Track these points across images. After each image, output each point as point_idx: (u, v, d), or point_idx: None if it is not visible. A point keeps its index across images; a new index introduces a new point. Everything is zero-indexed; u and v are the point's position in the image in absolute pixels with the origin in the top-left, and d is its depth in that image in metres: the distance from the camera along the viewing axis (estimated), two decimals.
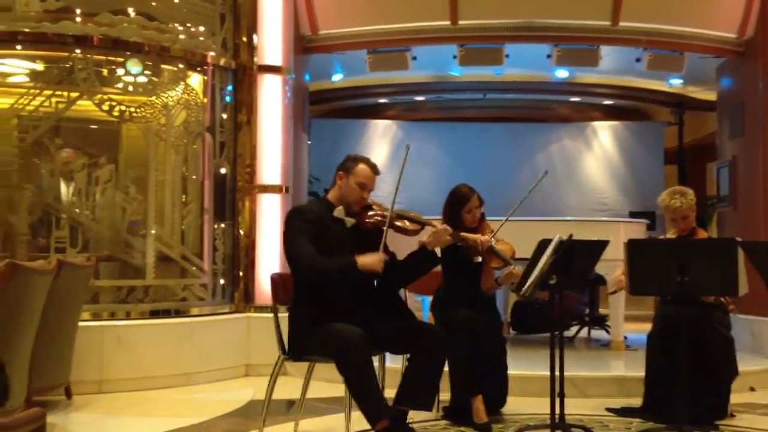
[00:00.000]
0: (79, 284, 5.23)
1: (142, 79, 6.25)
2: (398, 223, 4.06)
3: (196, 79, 6.61)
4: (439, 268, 4.86)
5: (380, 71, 8.25)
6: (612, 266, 6.26)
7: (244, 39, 6.81)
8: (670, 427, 4.45)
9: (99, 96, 6.07)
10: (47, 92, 5.92)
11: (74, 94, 5.99)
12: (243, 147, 6.78)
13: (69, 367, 5.22)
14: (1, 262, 3.93)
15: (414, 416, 4.22)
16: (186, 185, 6.47)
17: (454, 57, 7.92)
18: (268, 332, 5.19)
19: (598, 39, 7.45)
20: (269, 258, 6.69)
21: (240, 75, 6.81)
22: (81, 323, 5.37)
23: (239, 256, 6.73)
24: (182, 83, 6.43)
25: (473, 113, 11.93)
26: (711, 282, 4.16)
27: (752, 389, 5.82)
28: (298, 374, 5.32)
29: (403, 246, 4.16)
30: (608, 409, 5.14)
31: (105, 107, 6.08)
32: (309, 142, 8.62)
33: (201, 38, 6.58)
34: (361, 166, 4.06)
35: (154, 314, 6.13)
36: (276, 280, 4.41)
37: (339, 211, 4.05)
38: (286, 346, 4.08)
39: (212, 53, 6.60)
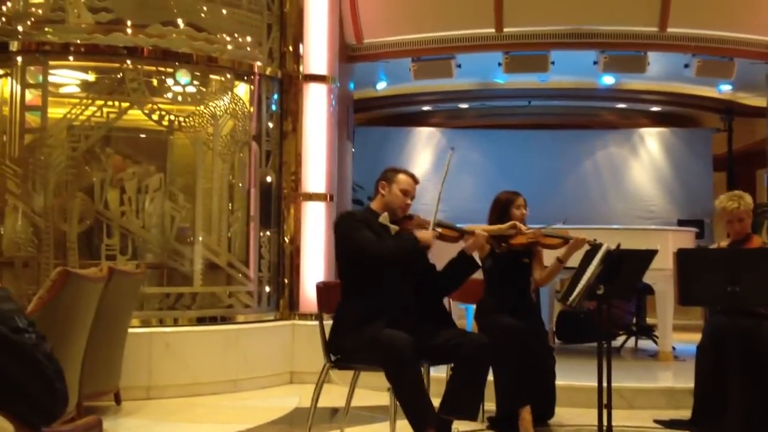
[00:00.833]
0: (129, 291, 5.32)
1: (190, 89, 6.35)
2: (439, 230, 4.14)
3: (243, 89, 6.69)
4: (482, 276, 4.87)
5: (424, 79, 8.26)
6: (661, 276, 6.18)
7: (290, 48, 6.88)
8: None
9: (149, 106, 6.17)
10: (99, 102, 6.04)
11: (125, 104, 6.10)
12: (288, 155, 6.84)
13: (119, 373, 5.31)
14: (54, 269, 4.02)
15: (459, 426, 4.21)
16: (232, 193, 6.55)
17: (499, 64, 7.89)
18: (312, 340, 5.23)
19: (645, 45, 7.37)
20: (314, 265, 6.74)
21: (286, 84, 6.88)
22: (130, 330, 5.46)
23: (284, 264, 6.79)
24: (229, 93, 6.51)
25: (518, 120, 11.86)
26: (763, 292, 4.08)
27: None
28: (342, 382, 5.34)
29: (444, 257, 4.24)
30: (656, 421, 5.06)
31: (155, 117, 6.18)
32: (353, 150, 8.66)
33: (248, 48, 6.67)
34: (402, 175, 4.21)
35: (201, 321, 6.21)
36: (321, 289, 4.44)
37: (384, 218, 4.13)
38: (330, 347, 4.12)
39: (259, 63, 6.67)
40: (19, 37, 6.01)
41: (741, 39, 7.23)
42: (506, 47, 7.59)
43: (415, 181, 4.22)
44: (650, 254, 4.40)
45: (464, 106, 11.54)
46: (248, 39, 6.68)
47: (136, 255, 6.08)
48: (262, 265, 6.66)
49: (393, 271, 3.97)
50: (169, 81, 6.32)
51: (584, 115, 11.88)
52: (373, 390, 5.04)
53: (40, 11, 6.07)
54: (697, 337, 5.01)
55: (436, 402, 3.86)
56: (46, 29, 6.01)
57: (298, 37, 6.87)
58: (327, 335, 4.15)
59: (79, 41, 5.99)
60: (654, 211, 11.62)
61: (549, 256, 4.86)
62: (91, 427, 1.72)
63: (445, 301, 4.49)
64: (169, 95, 6.36)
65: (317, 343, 4.23)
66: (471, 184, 10.94)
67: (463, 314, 7.16)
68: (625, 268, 4.23)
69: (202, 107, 6.34)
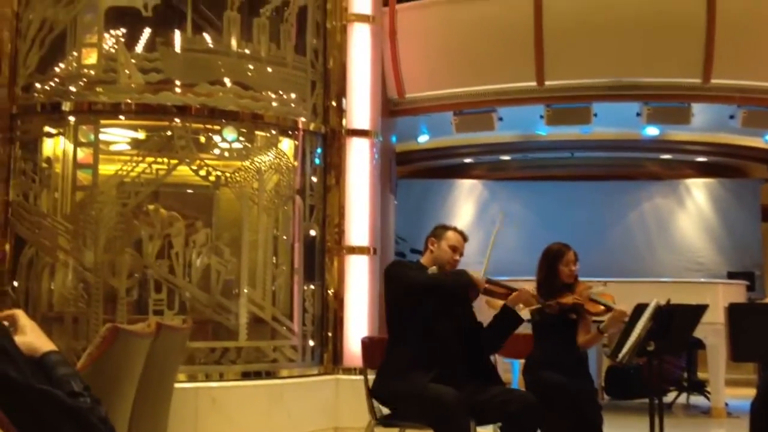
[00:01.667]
0: (176, 346, 5.35)
1: (237, 145, 6.47)
2: (488, 286, 4.15)
3: (287, 144, 6.79)
4: (528, 331, 4.82)
5: (466, 132, 8.31)
6: (711, 330, 6.06)
7: (334, 104, 6.99)
8: None
9: (197, 162, 6.29)
10: (149, 159, 6.17)
11: (173, 161, 6.22)
12: (332, 208, 6.89)
13: (165, 428, 5.31)
14: (103, 325, 4.07)
15: None
16: (277, 247, 6.60)
17: (541, 117, 7.92)
18: (357, 395, 5.18)
19: (689, 97, 7.35)
20: (358, 319, 6.73)
21: (329, 138, 6.96)
22: (176, 384, 5.48)
23: (328, 317, 6.79)
24: (274, 148, 6.61)
25: (561, 172, 11.81)
26: None
27: None
28: None
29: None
30: None
31: (202, 173, 6.29)
32: (395, 203, 8.70)
33: (292, 104, 6.78)
34: (451, 233, 4.28)
35: (246, 376, 6.21)
36: (366, 344, 4.44)
37: (433, 270, 4.16)
38: (374, 391, 4.11)
39: (303, 119, 6.78)
40: (72, 97, 6.20)
41: None
42: (548, 100, 7.62)
43: (464, 238, 4.27)
44: (701, 309, 4.32)
45: (506, 157, 11.55)
46: (293, 95, 6.80)
47: (183, 309, 6.14)
48: (306, 318, 6.67)
49: (442, 322, 3.97)
50: (216, 138, 6.45)
51: (628, 166, 11.80)
52: None
53: (92, 72, 6.26)
54: (751, 392, 4.87)
55: None
56: (98, 89, 6.18)
57: (342, 93, 6.98)
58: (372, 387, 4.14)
59: (129, 101, 6.15)
60: (703, 263, 11.40)
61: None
62: None
63: (492, 356, 4.45)
64: (216, 151, 6.48)
65: (362, 398, 4.21)
66: (513, 237, 10.85)
67: (509, 368, 7.07)
68: (676, 324, 4.17)
69: (247, 163, 6.44)
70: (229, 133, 6.38)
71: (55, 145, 6.27)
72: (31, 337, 1.73)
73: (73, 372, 1.67)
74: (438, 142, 9.97)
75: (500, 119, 7.96)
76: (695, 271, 11.19)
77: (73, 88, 6.24)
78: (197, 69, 6.37)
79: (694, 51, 7.02)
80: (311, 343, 6.68)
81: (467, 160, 11.75)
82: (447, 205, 11.68)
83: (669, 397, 7.85)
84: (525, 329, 4.81)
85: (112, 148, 6.49)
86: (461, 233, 4.29)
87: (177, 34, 6.34)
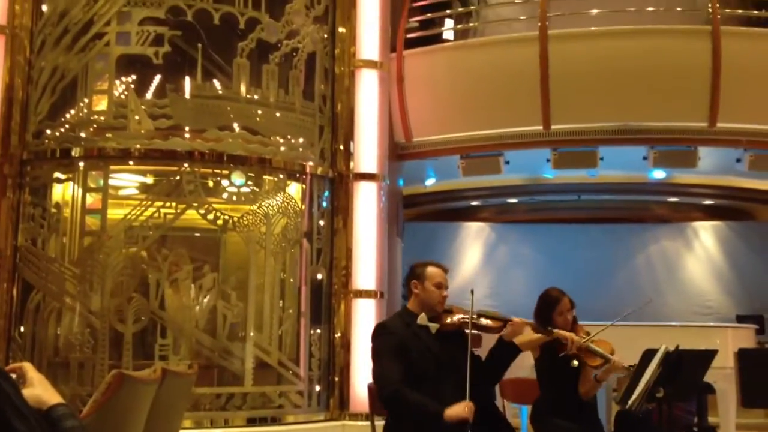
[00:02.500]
0: (182, 392, 5.30)
1: (245, 189, 6.51)
2: (482, 322, 4.05)
3: (295, 188, 6.82)
4: (535, 376, 4.77)
5: (473, 176, 8.32)
6: (721, 374, 5.99)
7: (341, 148, 7.03)
8: None
9: (205, 206, 6.32)
10: (157, 204, 6.21)
11: (182, 206, 6.26)
12: (339, 251, 6.90)
13: None
14: (108, 370, 4.06)
15: None
16: (284, 290, 6.59)
17: (548, 160, 7.92)
18: None
19: (695, 140, 7.34)
20: (364, 363, 6.66)
21: (337, 182, 7.00)
22: (181, 431, 5.43)
23: (334, 362, 6.75)
24: (282, 192, 6.64)
25: (568, 214, 11.80)
26: None
27: None
28: None
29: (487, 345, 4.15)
30: None
31: (210, 217, 6.32)
32: (402, 246, 8.70)
33: (300, 149, 6.83)
34: (430, 269, 4.09)
35: (251, 422, 6.16)
36: (373, 390, 4.39)
37: (422, 318, 4.03)
38: None
39: (311, 163, 6.82)
40: (82, 143, 6.26)
41: None
42: (554, 144, 7.63)
43: (445, 270, 4.12)
44: (710, 354, 4.29)
45: (513, 200, 11.56)
46: (301, 140, 6.86)
47: (188, 354, 6.11)
48: (312, 363, 6.63)
49: (443, 387, 3.86)
50: (224, 182, 6.49)
51: (635, 209, 11.78)
52: None
53: (102, 118, 6.33)
54: None
55: None
56: (108, 135, 6.25)
57: (349, 137, 7.03)
58: None
59: (139, 146, 6.20)
60: (711, 307, 11.33)
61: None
62: None
63: (499, 402, 4.40)
64: (224, 195, 6.52)
65: None
66: (521, 279, 10.85)
67: (517, 413, 6.99)
68: (685, 370, 4.13)
69: (255, 207, 6.47)
70: (237, 178, 6.43)
71: (64, 191, 6.32)
72: (39, 389, 1.75)
73: (80, 425, 1.68)
74: (445, 185, 9.98)
75: (507, 163, 7.96)
76: (704, 315, 11.10)
77: (83, 134, 6.31)
78: (206, 115, 6.44)
79: (700, 95, 7.04)
80: (317, 388, 6.64)
81: (474, 203, 11.76)
82: (454, 248, 11.67)
83: None
84: (530, 374, 4.77)
85: (121, 192, 6.54)
86: (441, 266, 4.13)
87: (187, 81, 6.43)
